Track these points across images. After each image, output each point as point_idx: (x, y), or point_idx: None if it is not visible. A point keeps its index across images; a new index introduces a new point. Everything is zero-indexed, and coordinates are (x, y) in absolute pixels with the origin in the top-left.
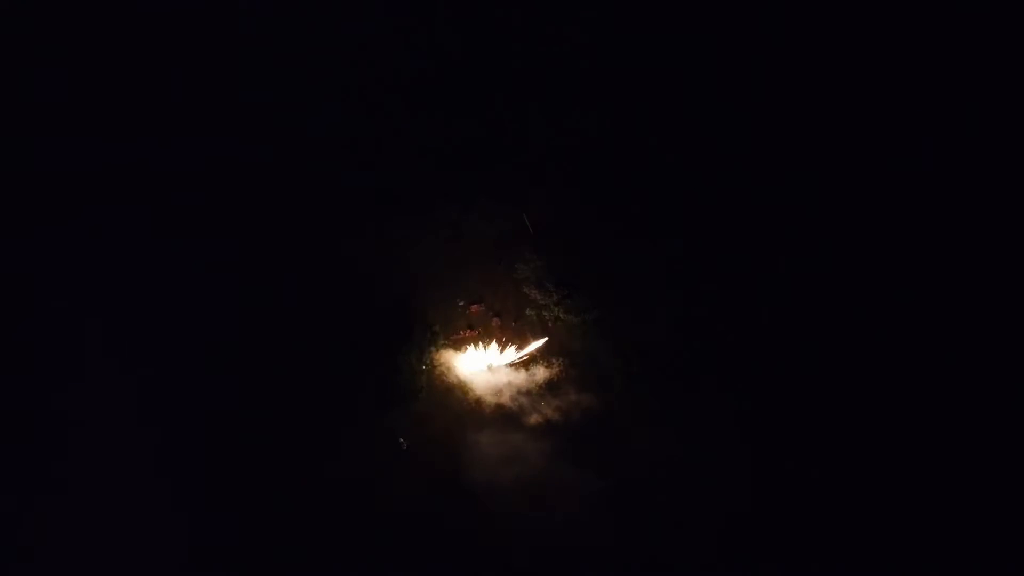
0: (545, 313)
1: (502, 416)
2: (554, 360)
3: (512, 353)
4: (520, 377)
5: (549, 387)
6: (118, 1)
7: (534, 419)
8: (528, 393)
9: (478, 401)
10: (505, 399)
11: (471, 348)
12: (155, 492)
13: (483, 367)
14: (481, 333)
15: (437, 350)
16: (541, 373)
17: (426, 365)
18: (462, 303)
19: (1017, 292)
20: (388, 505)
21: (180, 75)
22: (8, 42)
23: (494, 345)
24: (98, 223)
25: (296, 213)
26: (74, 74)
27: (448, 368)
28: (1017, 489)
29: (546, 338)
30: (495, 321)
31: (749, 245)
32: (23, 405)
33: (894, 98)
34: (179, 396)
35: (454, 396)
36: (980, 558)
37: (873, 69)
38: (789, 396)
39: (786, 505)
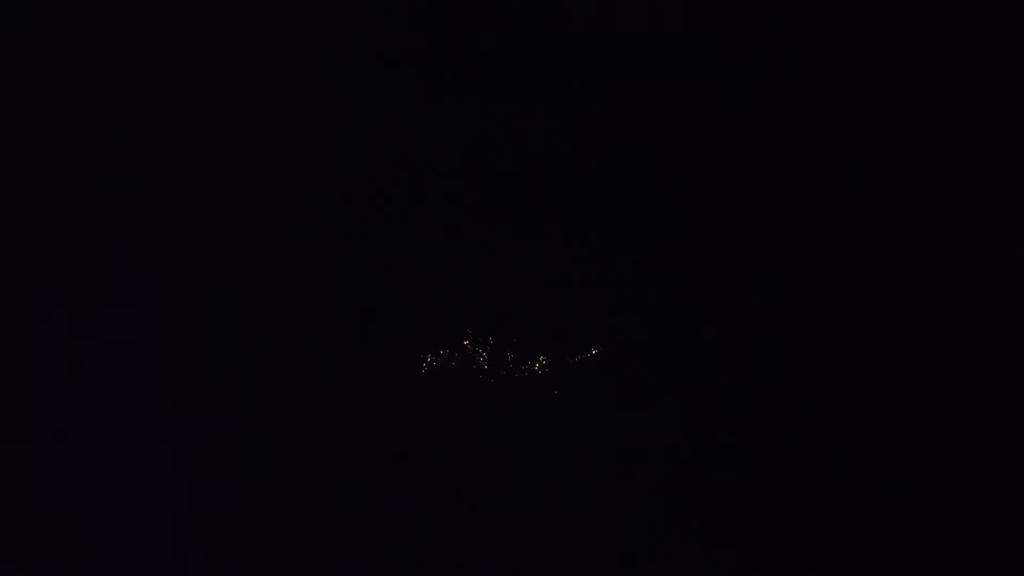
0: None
1: (500, 413)
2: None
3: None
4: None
5: (543, 380)
6: None
7: (529, 414)
8: (524, 388)
9: (478, 401)
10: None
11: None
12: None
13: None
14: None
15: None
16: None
17: (426, 365)
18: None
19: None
20: (387, 507)
21: None
22: None
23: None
24: None
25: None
26: None
27: (449, 369)
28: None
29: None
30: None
31: (746, 243)
32: None
33: None
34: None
35: (454, 397)
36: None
37: None
38: (790, 396)
39: (787, 506)
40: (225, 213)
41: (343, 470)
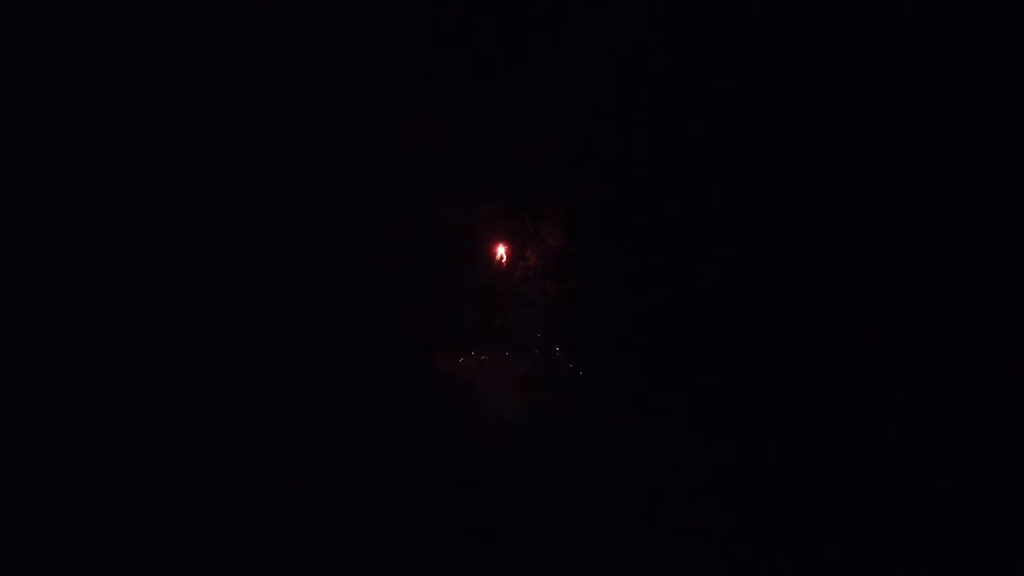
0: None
1: (499, 411)
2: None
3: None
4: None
5: (545, 382)
6: None
7: (531, 416)
8: (525, 386)
9: (477, 398)
10: (500, 394)
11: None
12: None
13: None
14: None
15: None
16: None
17: (426, 364)
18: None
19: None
20: (389, 506)
21: None
22: None
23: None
24: None
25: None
26: None
27: (446, 366)
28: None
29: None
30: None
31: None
32: None
33: None
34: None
35: (454, 395)
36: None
37: None
38: (788, 395)
39: (787, 507)
40: (225, 212)
41: (341, 469)
